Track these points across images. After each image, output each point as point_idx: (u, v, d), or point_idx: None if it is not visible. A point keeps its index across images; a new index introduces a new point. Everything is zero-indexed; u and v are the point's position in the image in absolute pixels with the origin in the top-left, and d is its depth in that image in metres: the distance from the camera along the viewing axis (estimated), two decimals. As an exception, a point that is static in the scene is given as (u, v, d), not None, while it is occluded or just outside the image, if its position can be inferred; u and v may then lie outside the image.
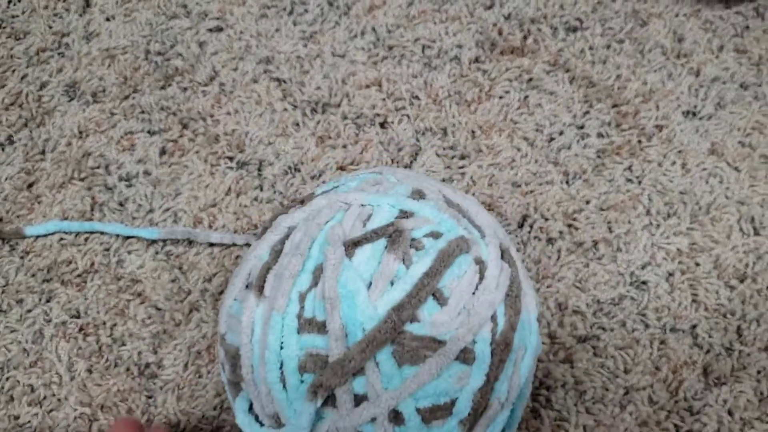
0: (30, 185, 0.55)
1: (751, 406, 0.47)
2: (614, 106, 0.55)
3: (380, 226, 0.33)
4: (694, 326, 0.49)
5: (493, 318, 0.32)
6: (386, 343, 0.30)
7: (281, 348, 0.31)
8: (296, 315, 0.31)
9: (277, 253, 0.34)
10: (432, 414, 0.31)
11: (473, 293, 0.32)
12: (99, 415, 0.48)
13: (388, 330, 0.30)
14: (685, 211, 0.52)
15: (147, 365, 0.49)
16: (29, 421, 0.49)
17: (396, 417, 0.31)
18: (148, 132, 0.56)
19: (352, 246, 0.32)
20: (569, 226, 0.52)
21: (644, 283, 0.50)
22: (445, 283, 0.32)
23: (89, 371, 0.49)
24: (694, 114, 0.55)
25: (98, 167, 0.55)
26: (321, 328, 0.31)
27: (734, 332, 0.49)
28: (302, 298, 0.32)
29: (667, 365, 0.48)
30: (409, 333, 0.31)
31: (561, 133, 0.54)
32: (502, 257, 0.35)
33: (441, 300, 0.32)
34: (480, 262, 0.33)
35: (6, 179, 0.55)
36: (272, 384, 0.31)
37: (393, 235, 0.32)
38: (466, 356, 0.31)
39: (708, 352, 0.48)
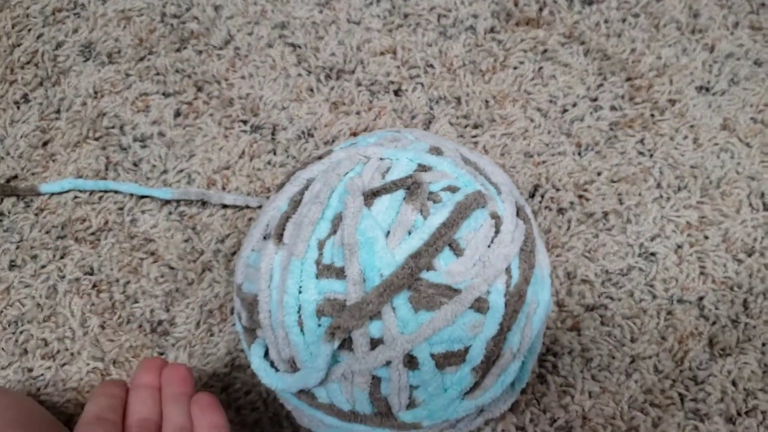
0: (45, 143, 0.55)
1: (755, 377, 0.47)
2: (628, 79, 0.55)
3: (399, 178, 0.34)
4: (701, 298, 0.49)
5: (508, 271, 0.33)
6: (403, 288, 0.30)
7: (300, 292, 0.32)
8: (315, 261, 0.32)
9: (296, 203, 0.35)
10: (446, 360, 0.31)
11: (489, 246, 0.33)
12: (111, 369, 0.49)
13: (405, 276, 0.30)
14: (696, 184, 0.52)
15: (159, 322, 0.50)
16: (42, 374, 0.49)
17: (411, 361, 0.31)
18: (163, 94, 0.56)
19: (371, 196, 0.33)
20: (580, 196, 0.52)
21: (653, 254, 0.50)
22: (462, 235, 0.32)
23: (102, 327, 0.50)
24: (707, 89, 0.55)
25: (113, 127, 0.55)
26: (339, 273, 0.31)
27: (740, 305, 0.49)
28: (321, 245, 0.32)
29: (674, 335, 0.48)
30: (426, 280, 0.31)
31: (574, 105, 0.55)
32: (518, 214, 0.35)
33: (457, 251, 0.32)
34: (496, 217, 0.34)
35: (21, 137, 0.55)
36: (290, 327, 0.31)
37: (411, 187, 0.33)
38: (480, 305, 0.32)
39: (714, 323, 0.49)
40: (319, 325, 0.31)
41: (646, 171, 0.53)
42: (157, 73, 0.57)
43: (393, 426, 0.32)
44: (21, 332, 0.50)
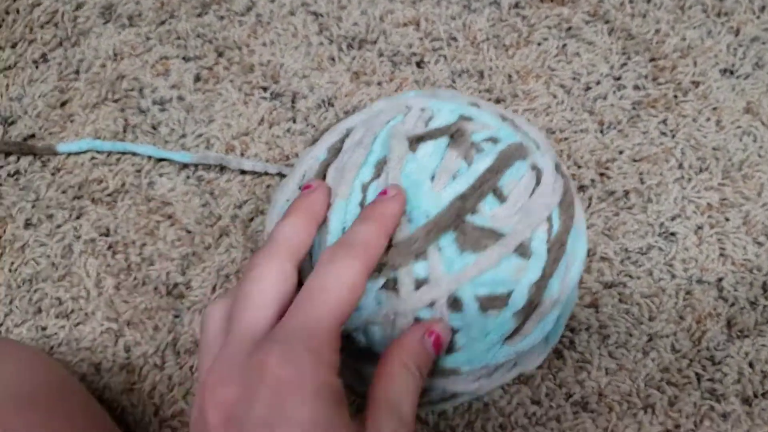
0: (63, 104, 0.55)
1: (772, 359, 0.47)
2: (652, 59, 0.55)
3: (442, 125, 0.33)
4: (720, 279, 0.49)
5: (549, 220, 0.33)
6: (449, 229, 0.30)
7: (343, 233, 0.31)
8: (359, 203, 0.32)
9: (336, 150, 0.35)
10: (489, 303, 0.31)
11: (530, 196, 0.32)
12: (125, 331, 0.49)
13: (451, 217, 0.30)
14: (717, 166, 0.52)
15: (175, 285, 0.50)
16: (56, 333, 0.49)
17: (454, 303, 0.31)
18: (183, 58, 0.56)
19: (415, 141, 0.33)
20: (601, 174, 0.52)
21: (673, 234, 0.50)
22: (504, 183, 0.32)
23: (117, 288, 0.50)
24: (731, 72, 0.55)
25: (132, 90, 0.55)
26: None
27: (759, 287, 0.49)
28: (365, 188, 0.32)
29: (692, 315, 0.48)
30: (471, 223, 0.31)
31: (598, 83, 0.54)
32: (556, 170, 0.35)
33: (500, 197, 0.32)
34: (536, 169, 0.34)
35: (39, 96, 0.55)
36: None
37: (455, 135, 0.33)
38: (523, 251, 0.32)
39: (732, 305, 0.48)
40: None
41: (668, 151, 0.52)
42: (178, 37, 0.56)
43: (431, 372, 0.32)
44: (35, 291, 0.50)
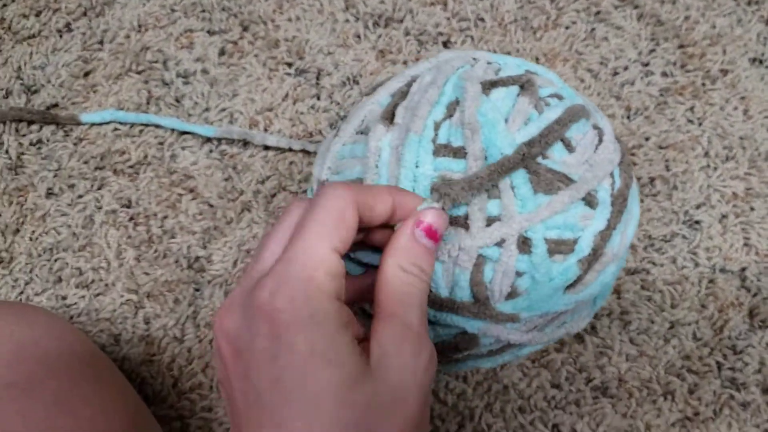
0: (87, 74, 0.55)
1: (794, 350, 0.47)
2: (680, 46, 0.55)
3: (513, 75, 0.34)
4: (743, 269, 0.49)
5: (611, 175, 0.33)
6: (513, 170, 0.30)
7: (416, 167, 0.31)
8: (431, 140, 0.32)
9: (402, 94, 0.34)
10: (557, 247, 0.31)
11: (594, 151, 0.33)
12: (145, 302, 0.49)
13: (518, 159, 0.30)
14: (744, 155, 0.51)
15: (196, 259, 0.49)
16: (76, 303, 0.49)
17: (524, 244, 0.31)
18: (208, 32, 0.55)
19: (488, 86, 0.33)
20: (627, 160, 0.51)
21: (697, 222, 0.50)
22: (572, 135, 0.33)
23: (137, 260, 0.50)
24: (760, 62, 0.54)
25: (156, 62, 0.55)
26: (457, 152, 0.31)
27: (783, 278, 0.49)
28: (437, 126, 0.32)
29: (714, 304, 0.48)
30: (544, 166, 0.31)
31: (625, 69, 0.54)
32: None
33: (569, 147, 0.32)
34: (597, 128, 0.34)
35: (63, 66, 0.55)
36: None
37: (525, 84, 0.33)
38: (590, 199, 0.32)
39: (755, 295, 0.48)
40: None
41: (695, 139, 0.52)
42: (203, 10, 0.56)
43: (488, 316, 0.32)
44: (56, 260, 0.50)
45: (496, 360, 0.35)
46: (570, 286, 0.33)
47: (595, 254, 0.32)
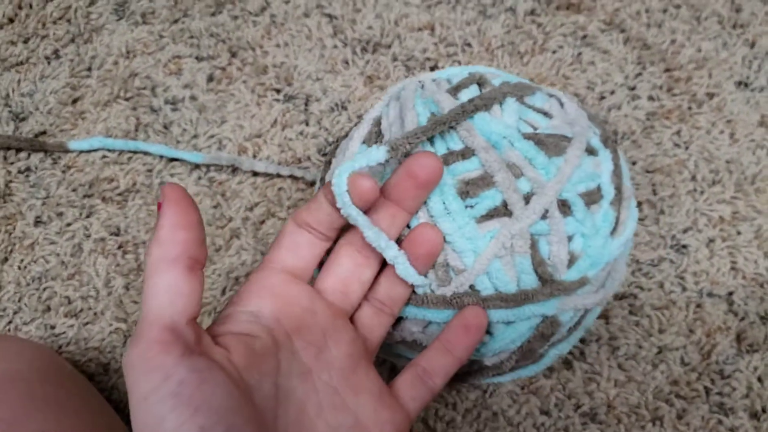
0: (75, 101, 0.55)
1: (781, 374, 0.47)
2: (667, 70, 0.55)
3: (463, 78, 0.35)
4: (730, 293, 0.49)
5: (590, 128, 0.35)
6: (456, 119, 0.32)
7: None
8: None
9: (376, 134, 0.35)
10: (590, 198, 0.33)
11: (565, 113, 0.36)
12: (134, 331, 0.49)
13: (459, 110, 0.32)
14: (730, 179, 0.52)
15: (185, 287, 0.49)
16: (65, 332, 0.49)
17: (563, 207, 0.32)
18: (196, 58, 0.56)
19: (453, 92, 0.35)
20: (614, 184, 0.51)
21: (684, 246, 0.50)
22: (541, 105, 0.35)
23: (126, 288, 0.50)
24: (746, 85, 0.55)
25: (144, 88, 0.55)
26: (465, 153, 0.32)
27: (770, 302, 0.49)
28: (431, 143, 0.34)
29: (702, 329, 0.48)
30: (542, 132, 0.33)
31: (612, 93, 0.54)
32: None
33: (547, 114, 0.34)
34: (553, 96, 0.36)
35: (51, 93, 0.55)
36: (440, 216, 0.32)
37: (480, 80, 0.35)
38: (590, 150, 0.34)
39: (743, 319, 0.48)
40: (470, 206, 0.32)
41: (681, 163, 0.52)
42: (191, 36, 0.56)
43: (561, 291, 0.32)
44: (44, 289, 0.50)
45: (573, 338, 0.36)
46: (612, 231, 0.34)
47: (618, 193, 0.34)
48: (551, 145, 0.32)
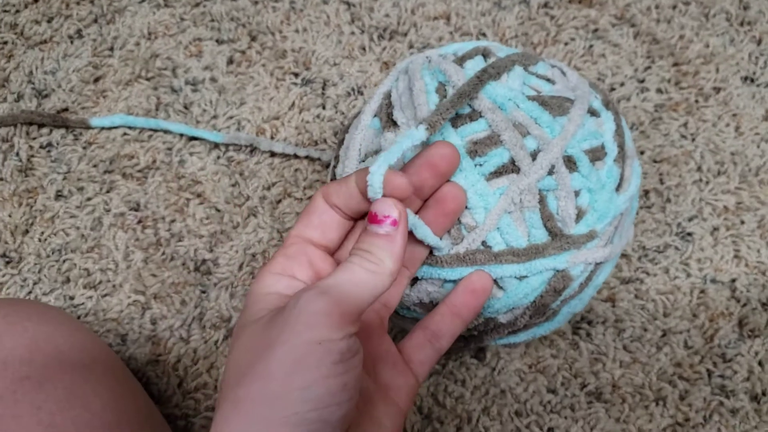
0: (96, 79, 0.56)
1: (781, 359, 0.49)
2: (675, 64, 0.56)
3: (468, 50, 0.37)
4: (733, 280, 0.50)
5: (591, 93, 0.37)
6: (475, 90, 0.33)
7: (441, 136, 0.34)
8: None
9: (387, 105, 0.36)
10: (594, 155, 0.34)
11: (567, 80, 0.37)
12: (152, 304, 0.50)
13: (476, 80, 0.33)
14: (735, 171, 0.53)
15: (203, 261, 0.51)
16: (83, 303, 0.50)
17: (569, 163, 0.33)
18: (217, 41, 0.57)
19: (459, 62, 0.36)
20: (622, 173, 0.53)
21: (689, 234, 0.51)
22: (544, 72, 0.37)
23: (145, 262, 0.51)
24: (752, 80, 0.56)
25: (165, 69, 0.56)
26: (472, 116, 0.34)
27: (772, 289, 0.50)
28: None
29: (705, 313, 0.50)
30: (545, 95, 0.35)
31: (622, 84, 0.56)
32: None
33: (550, 81, 0.36)
34: (555, 67, 0.38)
35: (73, 71, 0.56)
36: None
37: (485, 52, 0.37)
38: (593, 111, 0.36)
39: (745, 305, 0.50)
40: (479, 165, 0.33)
41: (688, 154, 0.54)
42: (212, 20, 0.57)
43: (571, 244, 0.33)
44: (64, 261, 0.51)
45: (585, 295, 0.37)
46: (618, 187, 0.35)
47: (622, 151, 0.36)
48: (555, 105, 0.34)
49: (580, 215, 0.34)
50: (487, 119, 0.33)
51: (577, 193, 0.34)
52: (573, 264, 0.34)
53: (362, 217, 0.33)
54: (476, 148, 0.33)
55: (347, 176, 0.30)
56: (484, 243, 0.33)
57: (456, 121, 0.34)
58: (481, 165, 0.33)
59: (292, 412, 0.24)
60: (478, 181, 0.33)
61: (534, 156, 0.33)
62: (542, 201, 0.33)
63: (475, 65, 0.36)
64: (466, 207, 0.33)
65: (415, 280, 0.35)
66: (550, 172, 0.33)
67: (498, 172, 0.33)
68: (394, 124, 0.35)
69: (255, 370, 0.25)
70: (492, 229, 0.33)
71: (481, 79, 0.33)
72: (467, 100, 0.33)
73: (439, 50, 0.39)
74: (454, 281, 0.34)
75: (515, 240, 0.33)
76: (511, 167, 0.33)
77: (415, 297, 0.35)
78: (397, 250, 0.27)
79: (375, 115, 0.37)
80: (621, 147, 0.36)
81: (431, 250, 0.33)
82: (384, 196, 0.29)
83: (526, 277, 0.33)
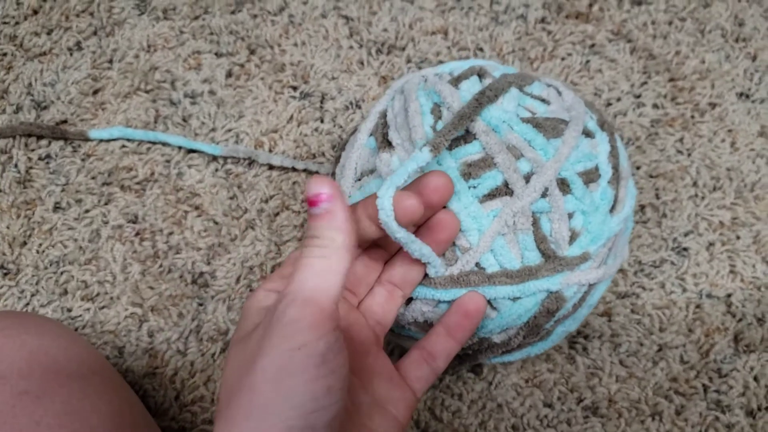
0: (96, 91, 0.56)
1: (777, 375, 0.49)
2: (671, 80, 0.57)
3: (463, 70, 0.37)
4: (729, 295, 0.51)
5: (587, 112, 0.37)
6: (475, 113, 0.33)
7: (439, 165, 0.34)
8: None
9: (383, 126, 0.37)
10: (588, 177, 0.34)
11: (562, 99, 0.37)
12: (149, 316, 0.50)
13: (475, 103, 0.34)
14: (731, 186, 0.53)
15: (200, 274, 0.51)
16: (81, 315, 0.50)
17: (563, 185, 0.34)
18: (216, 54, 0.57)
19: (454, 82, 0.36)
20: (619, 188, 0.53)
21: (685, 249, 0.52)
22: (539, 93, 0.37)
23: (143, 274, 0.51)
24: (747, 96, 0.56)
25: (164, 81, 0.56)
26: (466, 138, 0.34)
27: (767, 304, 0.50)
28: (434, 130, 0.35)
29: (701, 328, 0.50)
30: (540, 117, 0.35)
31: (618, 100, 0.56)
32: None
33: (545, 101, 0.37)
34: (551, 86, 0.38)
35: (72, 83, 0.56)
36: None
37: (481, 71, 0.37)
38: (587, 132, 0.36)
39: (740, 320, 0.50)
40: (473, 187, 0.33)
41: (684, 169, 0.54)
42: (211, 33, 0.58)
43: (564, 266, 0.33)
44: (62, 273, 0.51)
45: (579, 315, 0.37)
46: (612, 209, 0.36)
47: (617, 172, 0.36)
48: (549, 127, 0.34)
49: (573, 237, 0.34)
50: (481, 141, 0.33)
51: (570, 215, 0.34)
52: (566, 285, 0.34)
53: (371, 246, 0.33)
54: (470, 171, 0.33)
55: (351, 205, 0.30)
56: (477, 264, 0.33)
57: (451, 143, 0.34)
58: (475, 187, 0.33)
59: (279, 420, 0.25)
60: (472, 204, 0.33)
61: (527, 179, 0.33)
62: (536, 223, 0.33)
63: (471, 86, 0.36)
64: (461, 229, 0.33)
65: (410, 300, 0.35)
66: (544, 195, 0.33)
67: (492, 195, 0.33)
68: (390, 144, 0.36)
69: (242, 385, 0.26)
70: (486, 251, 0.33)
71: (480, 102, 0.34)
72: (468, 122, 0.33)
73: (435, 69, 0.40)
74: (449, 302, 0.34)
75: (509, 262, 0.33)
76: (505, 190, 0.33)
77: (410, 316, 0.36)
78: (340, 223, 0.27)
79: (371, 134, 0.37)
80: (615, 168, 0.36)
81: (426, 272, 0.34)
82: (396, 218, 0.29)
83: (519, 298, 0.34)
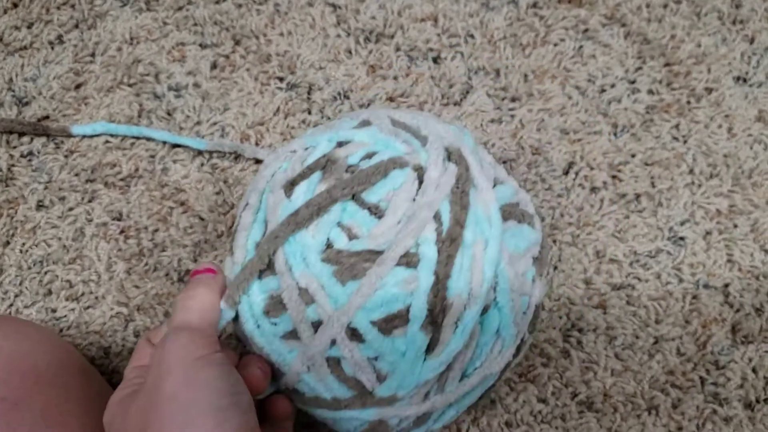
0: (78, 86, 0.55)
1: (775, 366, 0.48)
2: (666, 64, 0.55)
3: (306, 168, 0.35)
4: (726, 285, 0.50)
5: (437, 218, 0.32)
6: (259, 265, 0.32)
7: (248, 296, 0.33)
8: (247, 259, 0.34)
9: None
10: (388, 324, 0.31)
11: (414, 200, 0.32)
12: (135, 315, 0.49)
13: (264, 253, 0.32)
14: (728, 173, 0.52)
15: (187, 272, 0.50)
16: (66, 316, 0.49)
17: (354, 335, 0.31)
18: (200, 45, 0.56)
19: (289, 187, 0.34)
20: (613, 177, 0.52)
21: (682, 238, 0.51)
22: (382, 197, 0.33)
23: (128, 273, 0.50)
24: (744, 80, 0.55)
25: (148, 75, 0.55)
26: (272, 269, 0.33)
27: (765, 294, 0.49)
28: (257, 245, 0.34)
29: (698, 320, 0.49)
30: (346, 251, 0.31)
31: (612, 86, 0.55)
32: (449, 159, 0.34)
33: (378, 213, 0.32)
34: (419, 169, 0.34)
35: (54, 78, 0.55)
36: (252, 334, 0.33)
37: (326, 166, 0.34)
38: (409, 260, 0.31)
39: (738, 310, 0.49)
40: (274, 324, 0.32)
41: (680, 156, 0.53)
42: (195, 24, 0.56)
43: (375, 403, 0.32)
44: (46, 272, 0.50)
45: (430, 425, 0.36)
46: (429, 351, 0.32)
47: (435, 313, 0.31)
48: (349, 266, 0.31)
49: (380, 378, 0.32)
50: (278, 280, 0.32)
51: (376, 358, 0.32)
52: (386, 416, 0.33)
53: None
54: (271, 308, 0.32)
55: (168, 321, 0.34)
56: (295, 390, 0.34)
57: (262, 272, 0.33)
58: (275, 325, 0.32)
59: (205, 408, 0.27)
60: (272, 342, 0.32)
61: (316, 327, 0.31)
62: (337, 365, 0.32)
63: (305, 190, 0.33)
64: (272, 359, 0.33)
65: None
66: (334, 343, 0.31)
67: (289, 335, 0.32)
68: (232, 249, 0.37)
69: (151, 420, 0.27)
70: (296, 382, 0.33)
71: (279, 236, 0.32)
72: (271, 255, 0.32)
73: (304, 139, 0.37)
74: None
75: (320, 392, 0.33)
76: (295, 334, 0.32)
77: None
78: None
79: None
80: (434, 309, 0.31)
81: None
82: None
83: (342, 419, 0.33)
